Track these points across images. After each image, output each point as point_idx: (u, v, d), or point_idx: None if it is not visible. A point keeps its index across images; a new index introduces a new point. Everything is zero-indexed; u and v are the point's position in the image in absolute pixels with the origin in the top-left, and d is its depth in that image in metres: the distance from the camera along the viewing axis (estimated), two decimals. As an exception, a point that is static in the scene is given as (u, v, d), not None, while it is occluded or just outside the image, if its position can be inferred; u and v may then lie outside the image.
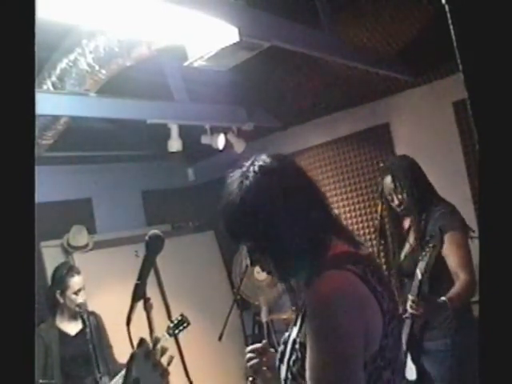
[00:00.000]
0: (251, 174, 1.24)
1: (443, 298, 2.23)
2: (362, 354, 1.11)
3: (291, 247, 1.21)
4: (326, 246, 1.23)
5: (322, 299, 1.13)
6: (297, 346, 1.21)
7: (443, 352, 2.44)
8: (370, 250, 1.31)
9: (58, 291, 3.13)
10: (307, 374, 1.12)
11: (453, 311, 2.27)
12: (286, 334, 1.30)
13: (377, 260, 1.30)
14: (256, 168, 1.25)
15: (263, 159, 1.27)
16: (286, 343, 1.28)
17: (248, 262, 1.30)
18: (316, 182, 1.33)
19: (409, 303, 2.27)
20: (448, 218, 2.47)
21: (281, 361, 1.28)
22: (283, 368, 1.26)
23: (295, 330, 1.25)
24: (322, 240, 1.24)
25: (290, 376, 1.22)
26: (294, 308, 3.39)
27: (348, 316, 1.11)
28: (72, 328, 3.15)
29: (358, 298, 1.14)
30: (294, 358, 1.22)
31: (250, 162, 1.28)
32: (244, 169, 1.26)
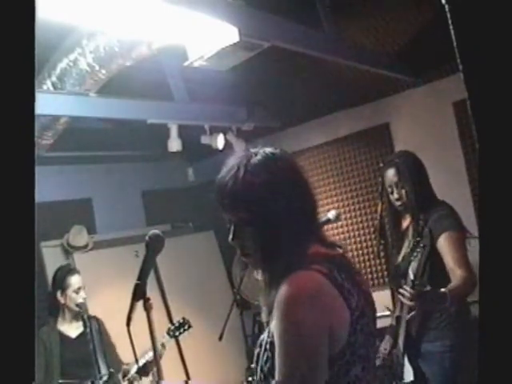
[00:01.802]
0: (261, 154, 1.30)
1: (443, 290, 2.22)
2: (326, 350, 1.15)
3: (276, 232, 1.24)
4: (307, 243, 1.27)
5: (283, 298, 1.17)
6: (267, 346, 1.24)
7: (441, 353, 2.43)
8: (341, 250, 1.34)
9: (59, 291, 3.14)
10: (276, 371, 1.16)
11: (452, 307, 2.26)
12: (262, 335, 1.33)
13: (350, 260, 1.35)
14: (267, 151, 1.31)
15: (273, 148, 1.34)
16: (261, 345, 1.30)
17: (230, 237, 1.31)
18: (312, 185, 1.38)
19: (404, 293, 2.25)
20: (445, 219, 2.47)
21: (256, 362, 1.31)
22: (258, 369, 1.29)
23: (267, 331, 1.28)
24: (305, 235, 1.28)
25: (262, 376, 1.26)
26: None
27: (310, 313, 1.14)
28: (73, 331, 3.15)
29: (321, 296, 1.17)
30: (265, 357, 1.25)
31: (258, 148, 1.33)
32: (254, 150, 1.32)
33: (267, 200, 1.24)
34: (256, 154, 1.29)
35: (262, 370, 1.26)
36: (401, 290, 2.28)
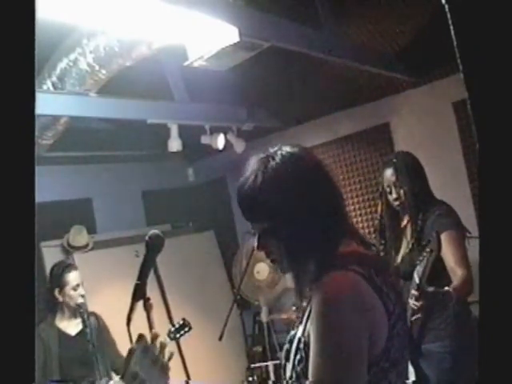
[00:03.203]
0: (279, 157, 1.25)
1: (446, 288, 2.22)
2: (366, 355, 1.11)
3: (303, 235, 1.21)
4: (336, 243, 1.23)
5: (326, 300, 1.13)
6: (301, 346, 1.21)
7: (441, 354, 2.43)
8: (375, 250, 1.30)
9: (57, 289, 3.11)
10: (310, 372, 1.12)
11: (454, 307, 2.26)
12: (292, 332, 1.29)
13: (385, 261, 1.28)
14: (284, 152, 1.26)
15: (290, 146, 1.29)
16: (291, 342, 1.27)
17: (255, 245, 1.28)
18: (336, 179, 1.33)
19: (410, 296, 2.26)
20: (444, 219, 2.47)
21: (286, 359, 1.28)
22: (289, 367, 1.26)
23: (301, 329, 1.25)
24: (334, 235, 1.24)
25: (294, 375, 1.22)
26: (294, 308, 3.38)
27: (352, 317, 1.11)
28: (72, 328, 3.13)
29: (362, 299, 1.14)
30: (298, 357, 1.22)
31: (276, 148, 1.29)
32: (271, 151, 1.27)
33: (289, 206, 1.20)
34: (273, 158, 1.24)
35: (294, 370, 1.22)
36: (411, 290, 2.28)
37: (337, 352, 1.10)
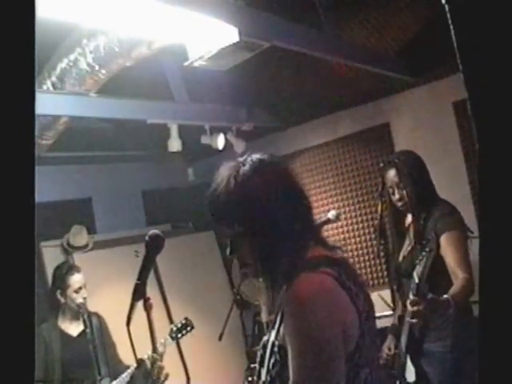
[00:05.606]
0: (249, 163, 1.29)
1: (446, 296, 2.21)
2: (342, 353, 1.14)
3: (274, 240, 1.24)
4: (306, 247, 1.27)
5: (299, 300, 1.16)
6: (275, 349, 1.23)
7: (442, 353, 2.43)
8: (345, 254, 1.35)
9: (59, 291, 3.11)
10: (291, 374, 1.14)
11: (454, 310, 2.26)
12: (265, 337, 1.31)
13: (350, 263, 1.34)
14: (254, 159, 1.30)
15: (260, 154, 1.33)
16: (265, 347, 1.29)
17: (227, 251, 1.33)
18: (304, 187, 1.37)
19: (408, 302, 2.25)
20: (447, 219, 2.47)
21: (260, 364, 1.29)
22: (263, 371, 1.27)
23: (273, 333, 1.26)
24: (303, 239, 1.28)
25: (269, 379, 1.24)
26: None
27: (326, 316, 1.13)
28: (74, 329, 3.13)
29: (334, 299, 1.17)
30: (272, 361, 1.23)
31: (246, 155, 1.33)
32: (241, 159, 1.31)
33: (260, 210, 1.24)
34: (244, 164, 1.28)
35: (269, 374, 1.24)
36: (410, 295, 2.26)
37: (314, 351, 1.12)
